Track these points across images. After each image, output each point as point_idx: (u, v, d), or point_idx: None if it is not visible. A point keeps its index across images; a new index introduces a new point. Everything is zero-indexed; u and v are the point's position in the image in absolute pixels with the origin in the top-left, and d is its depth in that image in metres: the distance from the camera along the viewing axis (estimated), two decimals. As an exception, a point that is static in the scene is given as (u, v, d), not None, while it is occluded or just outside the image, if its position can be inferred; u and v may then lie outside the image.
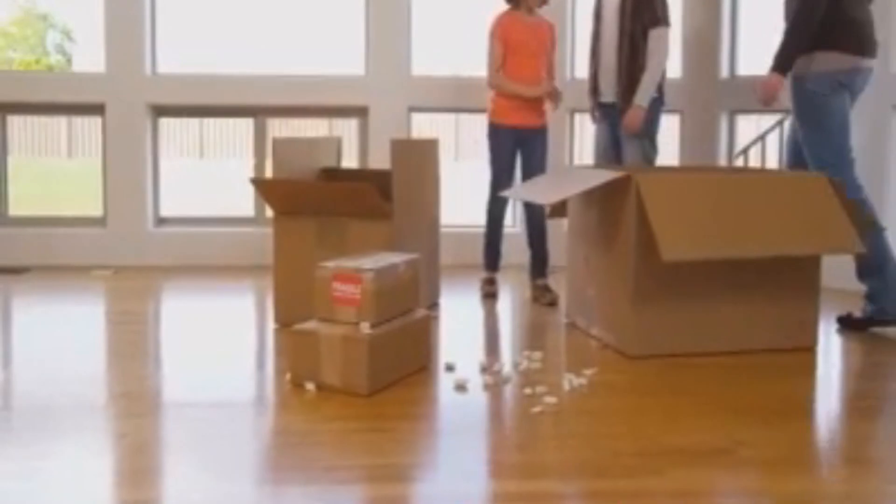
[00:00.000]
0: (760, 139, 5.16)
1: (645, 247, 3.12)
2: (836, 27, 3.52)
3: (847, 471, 2.17)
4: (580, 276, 3.66)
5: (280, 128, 5.59)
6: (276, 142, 3.74)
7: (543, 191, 3.74)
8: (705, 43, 5.04)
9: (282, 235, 3.64)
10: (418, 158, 3.83)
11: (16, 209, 5.46)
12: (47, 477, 2.07)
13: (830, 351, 3.34)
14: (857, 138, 3.89)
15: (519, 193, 3.79)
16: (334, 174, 4.09)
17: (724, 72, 5.04)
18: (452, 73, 5.44)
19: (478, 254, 4.45)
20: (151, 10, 5.22)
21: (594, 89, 4.33)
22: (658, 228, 3.06)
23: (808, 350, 3.30)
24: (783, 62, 3.58)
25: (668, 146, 4.68)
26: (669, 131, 4.73)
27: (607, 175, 3.36)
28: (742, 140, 5.23)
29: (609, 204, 3.36)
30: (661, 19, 4.14)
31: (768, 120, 5.21)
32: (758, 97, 3.65)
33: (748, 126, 5.56)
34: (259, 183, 3.65)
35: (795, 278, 3.32)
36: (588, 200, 3.57)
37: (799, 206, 3.23)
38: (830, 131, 3.58)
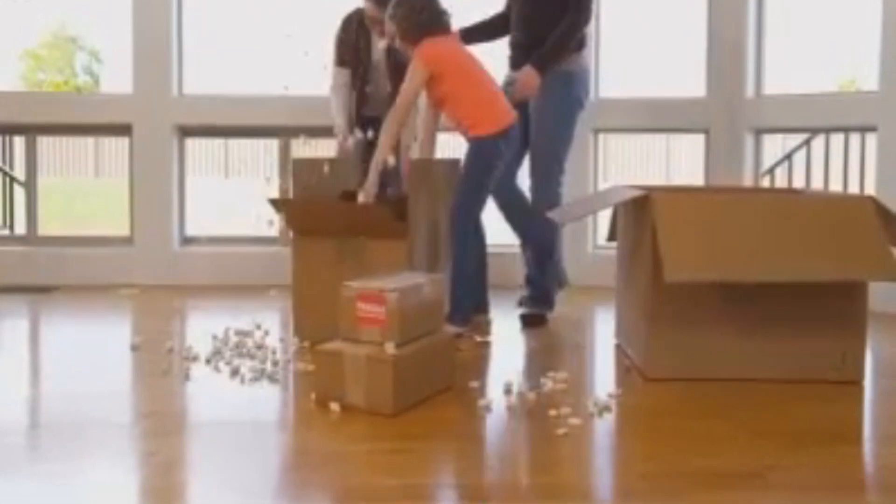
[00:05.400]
0: (787, 158, 5.13)
1: (660, 266, 3.01)
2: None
3: (880, 498, 2.14)
4: (621, 296, 3.65)
5: (304, 148, 5.62)
6: (295, 162, 3.76)
7: (568, 210, 3.75)
8: (730, 61, 5.03)
9: (301, 255, 3.66)
10: (437, 178, 3.84)
11: (44, 228, 5.51)
12: (76, 495, 2.08)
13: (876, 378, 3.23)
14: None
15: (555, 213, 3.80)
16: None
17: (750, 90, 5.02)
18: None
19: (500, 273, 4.41)
20: (178, 31, 5.28)
21: None
22: (666, 247, 2.96)
23: (852, 383, 3.09)
24: (550, 63, 3.82)
25: (693, 166, 4.66)
26: (694, 151, 4.71)
27: (627, 194, 3.35)
28: (768, 159, 5.20)
29: (637, 223, 3.35)
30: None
31: (794, 139, 5.18)
32: (516, 94, 3.80)
33: (774, 145, 5.53)
34: (276, 203, 3.68)
35: (838, 305, 3.07)
36: (626, 220, 3.56)
37: (833, 228, 3.04)
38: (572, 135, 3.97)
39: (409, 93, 3.63)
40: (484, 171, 3.68)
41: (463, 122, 3.71)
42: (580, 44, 3.97)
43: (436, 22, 3.66)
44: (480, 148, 3.67)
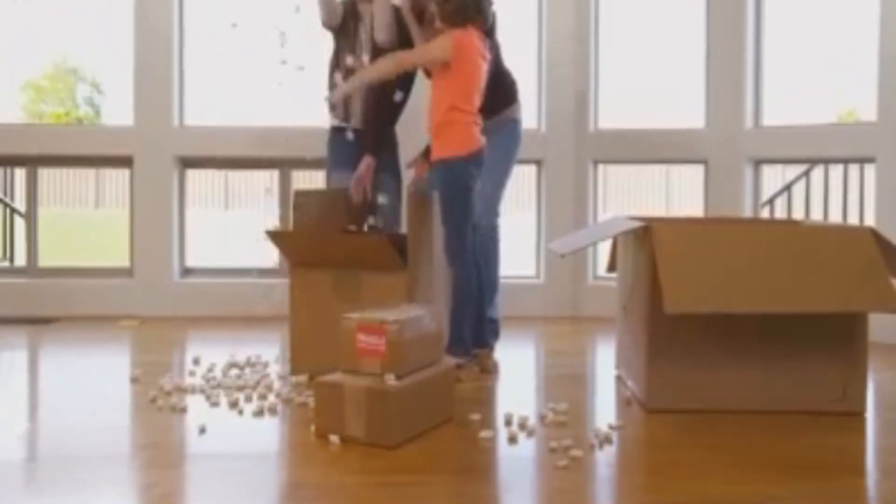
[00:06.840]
0: (786, 189, 5.15)
1: (660, 298, 3.00)
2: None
3: (882, 528, 2.12)
4: (621, 327, 3.64)
5: (304, 179, 5.64)
6: (297, 194, 3.77)
7: (568, 241, 3.74)
8: (729, 92, 5.06)
9: (298, 287, 3.66)
10: (436, 210, 3.84)
11: (44, 260, 5.51)
12: (72, 530, 2.07)
13: (878, 410, 3.22)
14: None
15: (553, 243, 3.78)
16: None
17: (749, 121, 5.05)
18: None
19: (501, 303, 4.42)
20: (179, 63, 5.31)
21: None
22: (666, 278, 2.96)
23: (854, 415, 3.07)
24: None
25: (693, 197, 4.67)
26: (694, 182, 4.73)
27: (627, 224, 3.35)
28: (767, 190, 5.21)
29: (637, 254, 3.35)
30: None
31: (794, 170, 5.20)
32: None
33: (773, 176, 5.55)
34: (273, 235, 3.68)
35: (838, 336, 3.07)
36: (627, 251, 3.56)
37: (832, 259, 3.05)
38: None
39: (426, 55, 3.68)
40: (463, 195, 3.60)
41: (440, 128, 3.60)
42: (517, 94, 4.08)
43: (478, 15, 3.59)
44: (451, 173, 3.58)
